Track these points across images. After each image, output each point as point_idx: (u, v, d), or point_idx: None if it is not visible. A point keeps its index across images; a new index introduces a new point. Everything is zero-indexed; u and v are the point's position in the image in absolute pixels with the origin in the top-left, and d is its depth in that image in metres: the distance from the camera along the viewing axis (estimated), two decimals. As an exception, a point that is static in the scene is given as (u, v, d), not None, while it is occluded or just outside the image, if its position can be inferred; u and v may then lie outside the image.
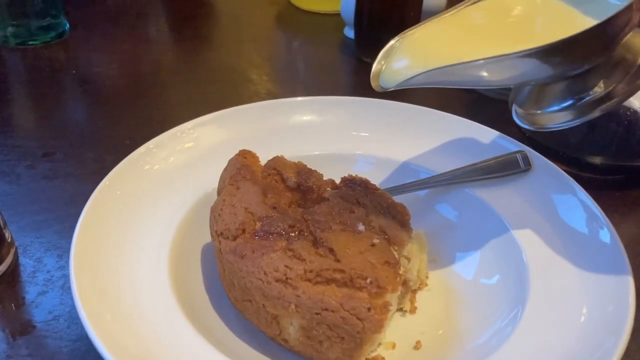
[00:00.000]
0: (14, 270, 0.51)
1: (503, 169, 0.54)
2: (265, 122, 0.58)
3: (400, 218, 0.46)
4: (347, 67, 0.90)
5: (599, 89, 0.40)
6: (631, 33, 0.39)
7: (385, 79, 0.44)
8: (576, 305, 0.41)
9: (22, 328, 0.46)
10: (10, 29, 0.86)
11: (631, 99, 0.64)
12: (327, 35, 0.97)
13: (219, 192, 0.49)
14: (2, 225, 0.50)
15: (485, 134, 0.57)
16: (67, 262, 0.51)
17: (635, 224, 0.59)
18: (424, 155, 0.56)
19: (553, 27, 0.43)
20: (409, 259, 0.46)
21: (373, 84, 0.45)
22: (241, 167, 0.48)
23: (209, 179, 0.51)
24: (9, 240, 0.51)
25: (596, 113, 0.41)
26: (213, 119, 0.57)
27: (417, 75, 0.41)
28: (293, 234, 0.42)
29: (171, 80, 0.84)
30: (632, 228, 0.58)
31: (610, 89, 0.40)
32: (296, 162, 0.50)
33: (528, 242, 0.47)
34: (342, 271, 0.40)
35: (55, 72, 0.83)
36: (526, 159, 0.54)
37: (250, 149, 0.51)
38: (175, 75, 0.85)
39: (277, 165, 0.49)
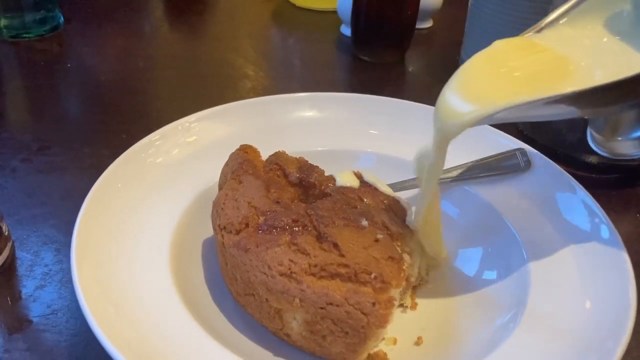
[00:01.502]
0: (11, 264, 0.50)
1: (503, 167, 0.54)
2: (267, 117, 0.58)
3: (402, 214, 0.47)
4: (344, 65, 0.90)
5: None
6: None
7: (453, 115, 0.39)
8: (577, 301, 0.42)
9: (20, 322, 0.45)
10: (4, 21, 0.85)
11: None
12: (323, 32, 0.97)
13: (220, 187, 0.49)
14: (-1, 219, 0.50)
15: (485, 132, 0.57)
16: (65, 256, 0.51)
17: (630, 222, 0.60)
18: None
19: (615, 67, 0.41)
20: (410, 255, 0.46)
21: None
22: (243, 161, 0.48)
23: (210, 173, 0.51)
24: (6, 233, 0.51)
25: None
26: (214, 113, 0.57)
27: (501, 110, 0.37)
28: (297, 229, 0.42)
29: (166, 75, 0.84)
30: (627, 226, 0.59)
31: None
32: (298, 157, 0.50)
33: (528, 238, 0.47)
34: (346, 266, 0.40)
35: (49, 65, 0.82)
36: (526, 157, 0.54)
37: (251, 144, 0.51)
38: (171, 70, 0.85)
39: (279, 160, 0.49)
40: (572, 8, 0.43)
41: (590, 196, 0.49)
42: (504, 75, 0.39)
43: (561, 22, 0.43)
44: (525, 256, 0.46)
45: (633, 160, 0.64)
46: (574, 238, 0.46)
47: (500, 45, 0.41)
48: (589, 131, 0.46)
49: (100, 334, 0.36)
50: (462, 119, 0.38)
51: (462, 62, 0.81)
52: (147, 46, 0.92)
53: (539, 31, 0.43)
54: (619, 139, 0.42)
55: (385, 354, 0.43)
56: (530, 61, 0.41)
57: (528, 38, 0.43)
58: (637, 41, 0.41)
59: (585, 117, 0.46)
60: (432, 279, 0.49)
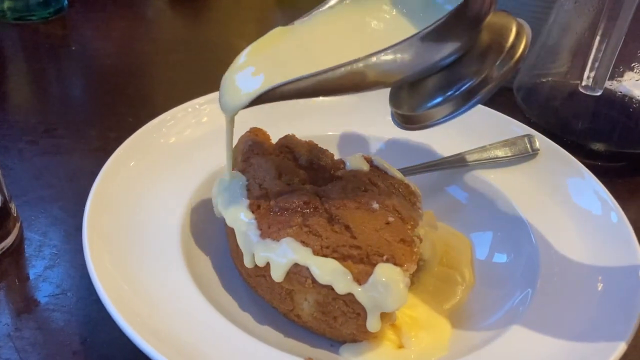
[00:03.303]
0: (19, 245, 0.50)
1: (511, 152, 0.54)
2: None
3: (412, 198, 0.47)
4: (349, 51, 0.89)
5: (472, 78, 0.38)
6: (491, 14, 0.37)
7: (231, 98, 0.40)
8: (587, 284, 0.42)
9: (30, 302, 0.45)
10: (7, 4, 0.84)
11: (633, 88, 0.65)
12: (328, 18, 0.96)
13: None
14: (7, 199, 0.50)
15: (494, 119, 0.57)
16: (74, 236, 0.51)
17: (637, 210, 0.60)
18: (434, 138, 0.56)
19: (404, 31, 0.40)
20: (420, 239, 0.46)
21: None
22: (253, 144, 0.48)
23: (220, 155, 0.50)
24: (14, 214, 0.51)
25: (473, 101, 0.39)
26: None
27: (275, 87, 0.37)
28: (308, 211, 0.42)
29: (171, 59, 0.83)
30: (634, 214, 0.59)
31: (482, 76, 0.38)
32: (307, 141, 0.50)
33: (537, 222, 0.48)
34: (358, 247, 0.40)
35: (54, 48, 0.82)
36: (534, 143, 0.55)
37: (260, 127, 0.51)
38: (175, 54, 0.84)
39: (289, 143, 0.49)
40: None
41: (599, 181, 0.50)
42: (279, 59, 0.40)
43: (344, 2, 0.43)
44: (534, 240, 0.46)
45: (637, 148, 0.65)
46: (583, 222, 0.47)
47: (276, 31, 0.42)
48: (391, 111, 0.45)
49: (113, 311, 0.36)
50: (240, 100, 0.39)
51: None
52: (152, 30, 0.92)
53: (330, 8, 0.43)
54: (416, 111, 0.42)
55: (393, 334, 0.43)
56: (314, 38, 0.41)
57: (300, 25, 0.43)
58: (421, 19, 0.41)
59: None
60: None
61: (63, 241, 0.51)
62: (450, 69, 0.39)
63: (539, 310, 0.41)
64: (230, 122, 0.42)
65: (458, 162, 0.54)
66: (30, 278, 0.48)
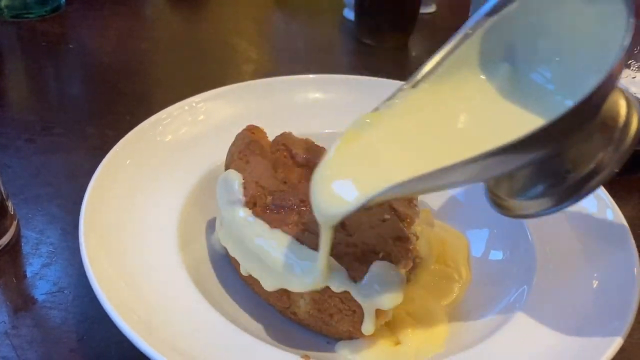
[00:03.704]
0: (16, 243, 0.50)
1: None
2: (273, 98, 0.58)
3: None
4: (347, 48, 0.90)
5: (583, 166, 0.33)
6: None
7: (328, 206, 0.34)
8: (583, 281, 0.42)
9: (27, 299, 0.46)
10: (5, 1, 0.84)
11: (630, 85, 0.65)
12: (326, 16, 0.96)
13: (227, 167, 0.49)
14: (5, 197, 0.50)
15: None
16: (71, 234, 0.51)
17: (633, 207, 0.60)
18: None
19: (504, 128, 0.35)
20: (417, 237, 0.46)
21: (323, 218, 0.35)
22: (250, 142, 0.48)
23: (216, 153, 0.51)
24: (11, 212, 0.51)
25: (584, 193, 0.34)
26: (220, 93, 0.57)
27: (381, 192, 0.32)
28: (304, 208, 0.42)
29: (169, 58, 0.83)
30: (630, 211, 0.59)
31: (596, 161, 0.33)
32: (304, 138, 0.50)
33: (534, 220, 0.47)
34: (354, 245, 0.40)
35: (51, 46, 0.82)
36: (531, 141, 0.54)
37: (257, 125, 0.51)
38: (174, 53, 0.84)
39: (285, 141, 0.49)
40: (448, 56, 0.38)
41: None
42: (373, 157, 0.35)
43: (436, 73, 0.38)
44: (530, 237, 0.46)
45: (637, 146, 0.64)
46: (579, 220, 0.47)
47: (361, 123, 0.37)
48: (485, 190, 0.40)
49: (109, 308, 0.36)
50: (342, 209, 0.34)
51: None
52: (150, 28, 0.92)
53: (414, 86, 0.38)
54: (514, 199, 0.37)
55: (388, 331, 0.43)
56: (403, 132, 0.36)
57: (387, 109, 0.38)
58: (517, 99, 0.36)
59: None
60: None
61: (60, 239, 0.51)
62: (554, 157, 0.34)
63: (535, 307, 0.41)
64: (330, 230, 0.36)
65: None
66: (27, 276, 0.48)
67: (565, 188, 0.34)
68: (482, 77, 0.38)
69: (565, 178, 0.34)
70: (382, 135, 0.36)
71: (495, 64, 0.38)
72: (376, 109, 0.37)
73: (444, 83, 0.37)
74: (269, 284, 0.40)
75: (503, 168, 0.32)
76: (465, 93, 0.38)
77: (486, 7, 0.38)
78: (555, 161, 0.34)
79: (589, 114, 0.31)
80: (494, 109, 0.36)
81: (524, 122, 0.34)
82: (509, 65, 0.38)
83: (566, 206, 0.35)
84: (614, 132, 0.33)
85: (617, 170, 0.33)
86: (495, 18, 0.37)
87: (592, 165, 0.33)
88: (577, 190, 0.34)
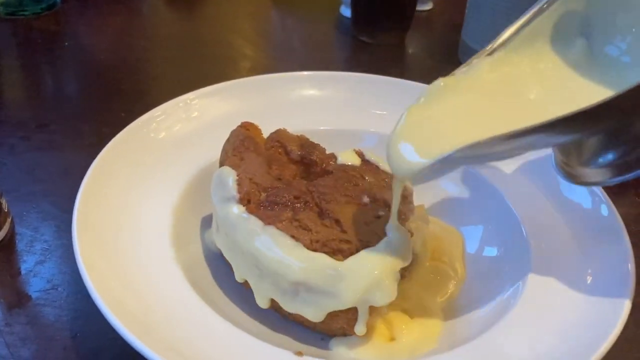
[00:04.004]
0: (10, 240, 0.50)
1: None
2: (268, 95, 0.58)
3: (403, 192, 0.47)
4: (343, 46, 0.89)
5: None
6: None
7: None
8: (577, 277, 0.42)
9: (21, 297, 0.45)
10: (0, -1, 0.84)
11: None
12: (323, 13, 0.96)
13: (221, 164, 0.48)
14: (-1, 194, 0.50)
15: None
16: (65, 232, 0.51)
17: (628, 204, 0.60)
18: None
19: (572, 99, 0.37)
20: (412, 233, 0.46)
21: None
22: (244, 138, 0.48)
23: (211, 150, 0.51)
24: (5, 209, 0.51)
25: None
26: (215, 90, 0.57)
27: (453, 152, 0.34)
28: (298, 205, 0.42)
29: (165, 55, 0.83)
30: (625, 208, 0.59)
31: None
32: (299, 135, 0.50)
33: (528, 216, 0.48)
34: (348, 242, 0.40)
35: (47, 43, 0.82)
36: (526, 137, 0.54)
37: (252, 122, 0.50)
38: (169, 50, 0.84)
39: (280, 137, 0.49)
40: (523, 27, 0.40)
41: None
42: (448, 119, 0.37)
43: (510, 44, 0.40)
44: (524, 233, 0.46)
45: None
46: (573, 216, 0.47)
47: (436, 87, 0.39)
48: (553, 156, 0.42)
49: (103, 307, 0.36)
50: (412, 169, 0.36)
51: (463, 44, 0.82)
52: (146, 25, 0.91)
53: (490, 54, 0.40)
54: (582, 166, 0.39)
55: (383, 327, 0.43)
56: (476, 98, 0.38)
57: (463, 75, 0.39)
58: (590, 73, 0.38)
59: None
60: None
61: (54, 236, 0.51)
62: (621, 130, 0.35)
63: (530, 303, 0.41)
64: (400, 183, 0.40)
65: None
66: (21, 273, 0.48)
67: (632, 159, 0.36)
68: (556, 50, 0.40)
69: (633, 149, 0.35)
70: (454, 100, 0.38)
71: (570, 37, 0.40)
72: (452, 74, 0.39)
73: (518, 54, 0.39)
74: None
75: (569, 136, 0.34)
76: (539, 65, 0.39)
77: None
78: (625, 133, 0.36)
79: None
80: (567, 82, 0.38)
81: (598, 94, 0.35)
82: (584, 39, 0.40)
83: (631, 177, 0.36)
84: None
85: None
86: None
87: None
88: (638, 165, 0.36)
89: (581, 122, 0.32)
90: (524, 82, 0.39)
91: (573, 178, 0.40)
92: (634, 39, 0.37)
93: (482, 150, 0.34)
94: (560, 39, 0.40)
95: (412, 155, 0.36)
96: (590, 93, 0.36)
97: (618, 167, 0.37)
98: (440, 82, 0.39)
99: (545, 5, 0.40)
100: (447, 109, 0.37)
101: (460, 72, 0.39)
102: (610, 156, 0.37)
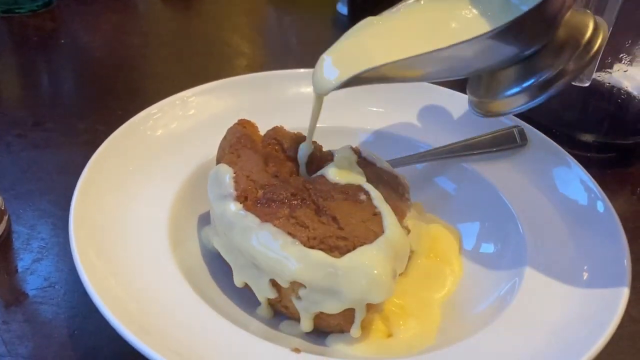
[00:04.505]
0: (7, 238, 0.50)
1: (500, 144, 0.54)
2: (265, 92, 0.58)
3: (400, 189, 0.47)
4: (340, 43, 0.89)
5: (549, 70, 0.41)
6: (570, 12, 0.40)
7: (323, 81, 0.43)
8: (574, 273, 0.42)
9: (18, 295, 0.45)
10: (-6, -4, 0.84)
11: (622, 79, 0.65)
12: (319, 10, 0.96)
13: (218, 161, 0.48)
14: (-5, 192, 0.50)
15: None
16: (62, 229, 0.51)
17: (625, 200, 0.60)
18: (423, 129, 0.56)
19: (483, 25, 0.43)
20: (408, 230, 0.46)
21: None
22: (241, 135, 0.48)
23: (208, 147, 0.51)
24: (2, 207, 0.50)
25: (549, 93, 0.42)
26: (212, 88, 0.57)
27: (365, 70, 0.40)
28: (295, 202, 0.42)
29: (161, 53, 0.83)
30: (622, 205, 0.59)
31: (559, 68, 0.41)
32: (296, 132, 0.50)
33: (524, 212, 0.48)
34: (345, 239, 0.40)
35: (43, 41, 0.81)
36: (522, 134, 0.55)
37: (249, 119, 0.50)
38: (166, 48, 0.84)
39: (277, 135, 0.49)
40: None
41: (586, 172, 0.50)
42: (369, 45, 0.43)
43: None
44: (521, 230, 0.46)
45: (626, 139, 0.65)
46: (570, 212, 0.47)
47: (370, 20, 0.45)
48: (468, 97, 0.48)
49: (100, 305, 0.36)
50: (329, 84, 0.42)
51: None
52: (142, 23, 0.91)
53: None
54: (493, 99, 0.44)
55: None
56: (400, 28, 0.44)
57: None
58: (495, 18, 0.43)
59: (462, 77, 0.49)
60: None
61: (51, 234, 0.51)
62: (528, 61, 0.41)
63: (526, 299, 0.41)
64: (318, 100, 0.45)
65: (447, 154, 0.54)
66: (18, 271, 0.47)
67: (534, 87, 0.42)
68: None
69: (534, 79, 0.41)
70: (379, 31, 0.44)
71: None
72: (381, 14, 0.45)
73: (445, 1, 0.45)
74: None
75: (484, 58, 0.40)
76: (463, 10, 0.44)
77: None
78: (528, 65, 0.42)
79: (544, 18, 0.39)
80: (485, 21, 0.43)
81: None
82: None
83: (537, 101, 0.42)
84: (577, 47, 0.41)
85: (576, 77, 0.42)
86: None
87: (558, 69, 0.41)
88: (544, 89, 0.42)
89: (497, 39, 0.38)
90: (441, 21, 0.44)
91: (484, 111, 0.46)
92: None
93: (386, 70, 0.40)
94: None
95: (330, 74, 0.42)
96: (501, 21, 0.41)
97: (525, 95, 0.42)
98: (372, 20, 0.44)
99: None
100: (371, 37, 0.43)
101: (387, 13, 0.45)
102: (515, 88, 0.42)
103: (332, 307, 0.39)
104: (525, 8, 0.40)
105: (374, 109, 0.59)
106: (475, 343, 0.39)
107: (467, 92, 0.47)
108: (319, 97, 0.45)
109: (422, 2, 0.45)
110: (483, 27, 0.41)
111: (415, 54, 0.39)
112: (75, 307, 0.44)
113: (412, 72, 0.42)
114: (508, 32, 0.38)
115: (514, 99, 0.43)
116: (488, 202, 0.50)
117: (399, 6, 0.45)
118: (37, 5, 0.86)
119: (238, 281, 0.43)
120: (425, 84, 0.59)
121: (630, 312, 0.43)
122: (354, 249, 0.39)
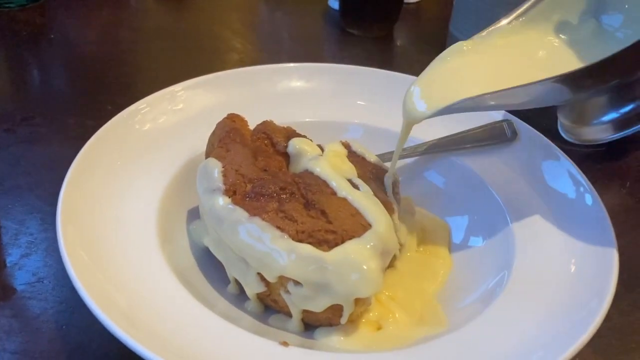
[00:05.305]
0: (-5, 233, 0.50)
1: (489, 138, 0.54)
2: (254, 87, 0.58)
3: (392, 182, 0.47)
4: (332, 38, 0.89)
5: None
6: None
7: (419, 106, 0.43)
8: (562, 265, 0.42)
9: (6, 290, 0.45)
10: (-17, -10, 0.83)
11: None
12: (311, 5, 0.96)
13: (207, 155, 0.48)
14: (-17, 187, 0.49)
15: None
16: (51, 224, 0.50)
17: (614, 195, 0.60)
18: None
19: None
20: (398, 223, 0.46)
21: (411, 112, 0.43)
22: (230, 130, 0.48)
23: (197, 141, 0.50)
24: (-10, 202, 0.50)
25: None
26: (201, 82, 0.57)
27: (465, 100, 0.40)
28: (284, 196, 0.42)
29: (152, 48, 0.83)
30: (611, 199, 0.59)
31: None
32: (285, 126, 0.50)
33: (513, 206, 0.48)
34: (334, 232, 0.40)
35: (32, 36, 0.81)
36: (512, 128, 0.55)
37: (238, 114, 0.50)
38: (157, 42, 0.84)
39: (266, 129, 0.49)
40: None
41: (575, 165, 0.50)
42: (459, 74, 0.43)
43: (527, 15, 0.45)
44: (510, 223, 0.47)
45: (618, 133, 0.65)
46: (558, 205, 0.47)
47: (460, 45, 0.44)
48: (558, 119, 0.47)
49: (88, 300, 0.36)
50: (420, 114, 0.42)
51: (451, 36, 0.82)
52: (133, 18, 0.91)
53: (509, 23, 0.45)
54: (586, 125, 0.44)
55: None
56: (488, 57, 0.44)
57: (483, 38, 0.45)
58: (594, 45, 0.42)
59: (552, 105, 0.49)
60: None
61: (39, 229, 0.50)
62: (625, 87, 0.41)
63: (515, 291, 0.41)
64: (408, 126, 0.44)
65: (436, 148, 0.54)
66: (7, 266, 0.47)
67: (627, 118, 0.42)
68: (567, 27, 0.44)
69: (627, 109, 0.42)
70: (469, 60, 0.44)
71: (583, 16, 0.45)
72: (471, 39, 0.45)
73: (532, 26, 0.45)
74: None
75: (575, 92, 0.39)
76: (551, 37, 0.45)
77: None
78: (622, 94, 0.42)
79: None
80: (575, 51, 0.43)
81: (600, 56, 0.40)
82: (594, 19, 0.44)
83: (630, 132, 0.42)
84: None
85: None
86: None
87: None
88: (637, 120, 0.42)
89: (588, 76, 0.37)
90: (533, 48, 0.44)
91: (578, 138, 0.47)
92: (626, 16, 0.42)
93: (476, 102, 0.39)
94: (573, 16, 0.44)
95: (420, 105, 0.42)
96: (593, 56, 0.40)
97: (619, 124, 0.43)
98: (463, 45, 0.44)
99: None
100: (460, 66, 0.43)
101: (478, 38, 0.44)
102: (612, 114, 0.43)
103: (321, 302, 0.39)
104: (621, 36, 0.39)
105: (364, 103, 0.59)
106: (464, 335, 0.39)
107: (558, 115, 0.47)
108: (409, 124, 0.44)
109: (510, 26, 0.44)
110: (576, 57, 0.40)
111: (506, 86, 0.38)
112: (64, 302, 0.44)
113: (501, 102, 0.41)
114: (611, 64, 0.36)
115: (609, 127, 0.43)
116: (477, 195, 0.51)
117: (489, 30, 0.45)
118: (26, -1, 0.86)
119: (230, 278, 0.43)
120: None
121: (619, 305, 0.43)
122: (342, 242, 0.39)
